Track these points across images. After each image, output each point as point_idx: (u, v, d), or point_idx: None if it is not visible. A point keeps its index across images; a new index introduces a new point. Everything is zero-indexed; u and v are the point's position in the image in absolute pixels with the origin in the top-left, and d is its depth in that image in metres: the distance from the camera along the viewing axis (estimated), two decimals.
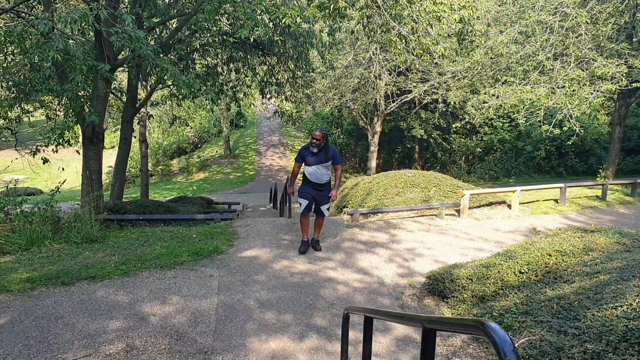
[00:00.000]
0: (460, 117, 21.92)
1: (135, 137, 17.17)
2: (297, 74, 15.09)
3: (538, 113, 14.71)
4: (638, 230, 7.74)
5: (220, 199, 21.18)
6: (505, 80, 15.63)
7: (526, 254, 6.19)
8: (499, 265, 6.03)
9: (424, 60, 14.38)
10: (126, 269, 6.82)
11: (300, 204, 7.82)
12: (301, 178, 8.16)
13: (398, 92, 21.87)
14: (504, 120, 27.43)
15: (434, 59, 16.99)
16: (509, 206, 12.48)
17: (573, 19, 13.69)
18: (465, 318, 2.04)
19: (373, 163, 24.14)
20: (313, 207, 7.91)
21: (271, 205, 18.57)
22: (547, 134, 15.24)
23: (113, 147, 33.64)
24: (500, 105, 15.73)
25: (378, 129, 23.68)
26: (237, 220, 11.27)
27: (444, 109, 23.54)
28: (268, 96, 16.11)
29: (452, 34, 14.90)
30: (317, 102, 22.40)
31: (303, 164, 7.81)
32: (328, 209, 8.03)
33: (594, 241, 6.39)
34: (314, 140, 7.50)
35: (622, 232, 6.90)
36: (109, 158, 26.59)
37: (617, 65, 13.56)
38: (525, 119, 15.34)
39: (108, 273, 6.62)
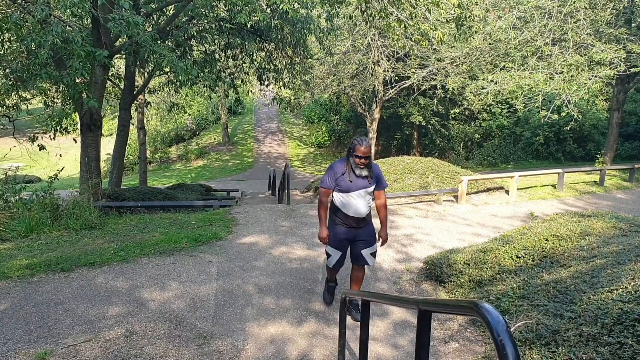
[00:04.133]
0: (459, 103, 21.88)
1: (133, 124, 17.13)
2: (295, 60, 15.01)
3: (536, 99, 14.69)
4: (635, 215, 7.77)
5: (219, 186, 21.19)
6: (504, 66, 15.59)
7: (523, 239, 6.23)
8: (496, 250, 6.07)
9: (423, 46, 14.29)
10: (125, 255, 6.85)
11: (328, 254, 5.19)
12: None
13: (396, 78, 21.80)
14: (503, 106, 27.37)
15: (433, 44, 16.92)
16: (507, 192, 12.52)
17: (571, 4, 13.63)
18: (459, 299, 2.07)
19: (372, 150, 24.08)
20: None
21: (270, 192, 18.58)
22: (546, 119, 15.26)
23: (111, 134, 33.61)
24: (499, 91, 15.70)
25: (376, 115, 23.63)
26: (236, 207, 11.30)
27: (442, 95, 23.48)
28: (266, 83, 16.04)
29: (450, 20, 14.84)
30: (315, 88, 22.30)
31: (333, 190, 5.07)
32: (374, 254, 5.22)
33: (591, 226, 6.43)
34: (360, 160, 4.80)
35: (619, 217, 6.94)
36: (107, 145, 26.57)
37: (615, 51, 13.53)
38: (523, 104, 15.33)
39: (107, 259, 6.65)
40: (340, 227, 5.07)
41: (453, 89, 19.98)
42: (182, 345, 4.51)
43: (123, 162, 14.77)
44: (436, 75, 20.04)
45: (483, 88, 15.90)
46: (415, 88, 22.78)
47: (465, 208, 11.08)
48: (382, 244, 5.15)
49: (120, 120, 13.78)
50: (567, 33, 14.12)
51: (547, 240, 6.06)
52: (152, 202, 11.47)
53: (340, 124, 33.48)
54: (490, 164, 26.88)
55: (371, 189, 5.00)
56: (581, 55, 14.34)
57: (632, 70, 14.40)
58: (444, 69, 19.44)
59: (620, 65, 13.68)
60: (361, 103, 24.06)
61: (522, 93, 15.12)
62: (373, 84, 21.61)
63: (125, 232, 8.40)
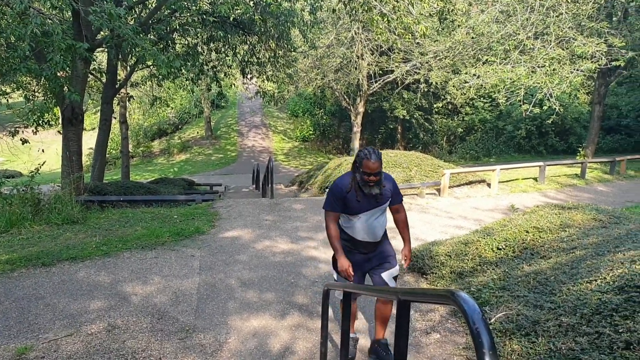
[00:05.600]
0: (442, 97, 21.96)
1: (115, 118, 16.97)
2: (279, 54, 14.95)
3: (518, 92, 14.78)
4: (615, 207, 7.88)
5: (202, 181, 21.09)
6: (486, 60, 15.66)
7: (504, 231, 6.28)
8: (477, 242, 6.12)
9: (406, 40, 14.34)
10: (107, 250, 6.81)
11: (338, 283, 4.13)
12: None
13: (380, 72, 21.85)
14: (485, 100, 27.53)
15: (416, 38, 16.97)
16: (489, 185, 12.61)
17: None
18: (437, 289, 2.09)
19: (356, 144, 24.14)
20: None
21: (254, 186, 18.55)
22: (527, 113, 15.36)
23: (93, 128, 33.26)
24: (481, 85, 15.79)
25: (361, 109, 23.66)
26: (219, 201, 11.27)
27: (425, 89, 23.56)
28: (249, 76, 15.98)
29: (433, 13, 14.89)
30: (299, 82, 22.31)
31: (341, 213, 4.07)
32: (396, 278, 4.20)
33: (571, 218, 6.50)
34: (370, 177, 3.80)
35: (599, 209, 7.02)
36: (89, 140, 26.29)
37: (597, 44, 13.64)
38: (505, 98, 15.43)
39: (89, 254, 6.61)
40: (353, 251, 4.09)
41: (436, 83, 20.09)
42: (165, 338, 4.49)
43: (105, 156, 14.65)
44: (419, 70, 20.12)
45: (466, 82, 15.97)
46: (399, 82, 22.87)
47: (448, 201, 11.15)
48: (407, 264, 4.18)
49: (102, 114, 13.67)
50: (549, 27, 14.20)
51: (527, 232, 6.12)
52: (134, 197, 11.40)
53: (324, 117, 33.48)
54: (473, 158, 27.04)
55: (386, 205, 4.08)
56: (563, 49, 14.44)
57: (613, 64, 14.57)
58: (427, 63, 19.51)
59: (601, 59, 13.81)
60: (345, 97, 24.08)
61: (504, 87, 15.21)
62: (357, 78, 21.64)
63: (107, 226, 8.35)
